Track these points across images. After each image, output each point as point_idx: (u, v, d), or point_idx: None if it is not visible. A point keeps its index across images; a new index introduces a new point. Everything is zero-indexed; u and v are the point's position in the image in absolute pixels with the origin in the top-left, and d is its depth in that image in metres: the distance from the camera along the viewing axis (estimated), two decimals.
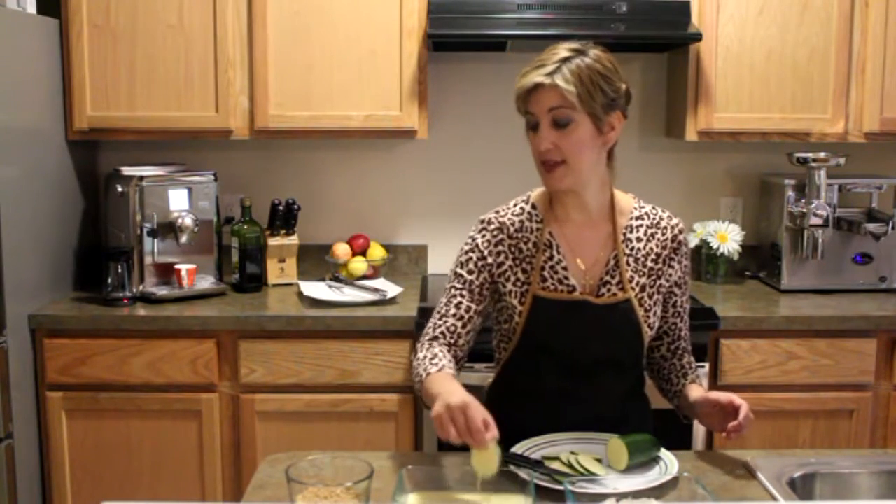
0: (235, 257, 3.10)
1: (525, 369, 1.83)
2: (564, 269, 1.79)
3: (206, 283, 3.03)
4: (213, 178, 3.06)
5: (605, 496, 1.52)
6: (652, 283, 1.83)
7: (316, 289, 2.99)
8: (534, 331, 1.79)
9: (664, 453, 1.71)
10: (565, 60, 1.70)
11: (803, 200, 3.02)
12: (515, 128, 3.44)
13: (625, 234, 1.82)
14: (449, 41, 2.98)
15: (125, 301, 2.85)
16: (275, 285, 3.15)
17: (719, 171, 3.39)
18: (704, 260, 3.26)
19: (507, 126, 3.29)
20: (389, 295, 2.90)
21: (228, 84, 2.95)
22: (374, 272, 3.22)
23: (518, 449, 1.71)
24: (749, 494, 1.60)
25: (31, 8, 2.85)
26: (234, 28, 2.94)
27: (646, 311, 1.81)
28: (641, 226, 1.84)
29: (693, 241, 3.25)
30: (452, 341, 1.81)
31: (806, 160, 2.97)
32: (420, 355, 1.78)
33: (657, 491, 1.55)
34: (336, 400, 2.78)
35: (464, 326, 1.82)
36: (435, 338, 1.81)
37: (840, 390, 2.80)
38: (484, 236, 1.83)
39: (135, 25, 2.93)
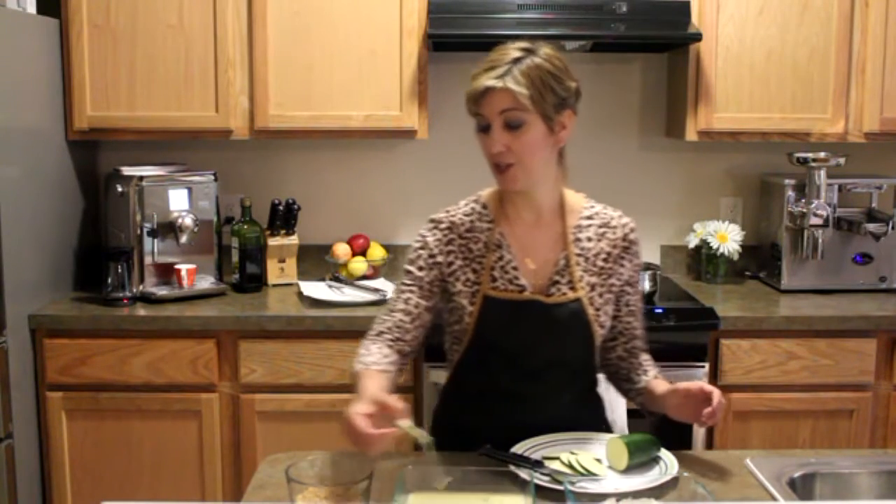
0: (235, 257, 3.10)
1: (477, 370, 1.82)
2: (515, 268, 1.79)
3: (206, 283, 3.03)
4: (213, 178, 3.06)
5: (605, 496, 1.52)
6: (602, 282, 1.82)
7: (316, 289, 2.99)
8: (484, 331, 1.78)
9: (664, 453, 1.71)
10: (516, 61, 1.69)
11: (803, 200, 3.02)
12: None
13: (574, 234, 1.83)
14: (449, 41, 2.98)
15: (125, 301, 2.85)
16: (275, 285, 3.15)
17: (719, 171, 3.39)
18: (704, 260, 3.26)
19: None
20: (389, 295, 2.90)
21: (228, 84, 2.95)
22: (374, 272, 3.22)
23: (518, 449, 1.71)
24: (749, 494, 1.60)
25: (31, 8, 2.85)
26: (234, 28, 2.94)
27: (596, 310, 1.81)
28: (591, 225, 1.85)
29: (693, 241, 3.25)
30: (399, 336, 1.81)
31: (806, 160, 2.97)
32: (361, 351, 1.79)
33: (657, 491, 1.55)
34: (336, 400, 2.78)
35: (412, 322, 1.82)
36: (380, 333, 1.82)
37: (840, 390, 2.80)
38: (434, 235, 1.84)
39: (135, 25, 2.93)
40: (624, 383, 1.94)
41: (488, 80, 1.69)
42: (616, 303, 1.86)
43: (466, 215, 1.85)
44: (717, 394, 1.70)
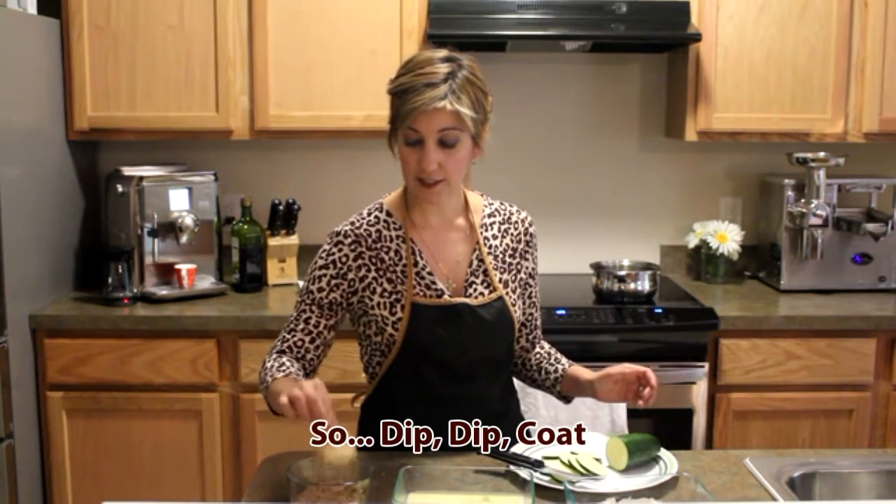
0: (236, 257, 3.10)
1: (406, 378, 1.79)
2: (430, 273, 1.77)
3: (207, 283, 3.03)
4: (213, 178, 3.07)
5: (605, 496, 1.52)
6: (513, 277, 1.85)
7: None
8: (414, 339, 1.75)
9: (664, 453, 1.71)
10: (451, 76, 1.66)
11: (803, 200, 3.02)
12: (514, 128, 3.44)
13: (482, 233, 1.83)
14: (449, 41, 2.98)
15: (125, 301, 2.85)
16: (275, 285, 3.15)
17: (719, 171, 3.39)
18: (704, 260, 3.26)
19: (506, 126, 3.29)
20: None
21: (229, 84, 2.95)
22: None
23: (518, 449, 1.71)
24: (749, 494, 1.60)
25: (32, 8, 2.85)
26: (234, 28, 2.94)
27: (512, 304, 1.82)
28: (494, 223, 1.86)
29: (693, 241, 3.25)
30: (300, 356, 1.79)
31: (805, 160, 2.97)
32: (267, 365, 1.75)
33: (657, 491, 1.56)
34: (336, 400, 2.75)
35: (312, 342, 1.80)
36: (282, 351, 1.79)
37: (839, 390, 2.81)
38: (341, 251, 1.78)
39: (135, 26, 2.93)
40: (534, 373, 1.96)
41: (437, 102, 1.65)
42: (521, 295, 1.88)
43: (371, 225, 1.81)
44: (651, 373, 1.74)
